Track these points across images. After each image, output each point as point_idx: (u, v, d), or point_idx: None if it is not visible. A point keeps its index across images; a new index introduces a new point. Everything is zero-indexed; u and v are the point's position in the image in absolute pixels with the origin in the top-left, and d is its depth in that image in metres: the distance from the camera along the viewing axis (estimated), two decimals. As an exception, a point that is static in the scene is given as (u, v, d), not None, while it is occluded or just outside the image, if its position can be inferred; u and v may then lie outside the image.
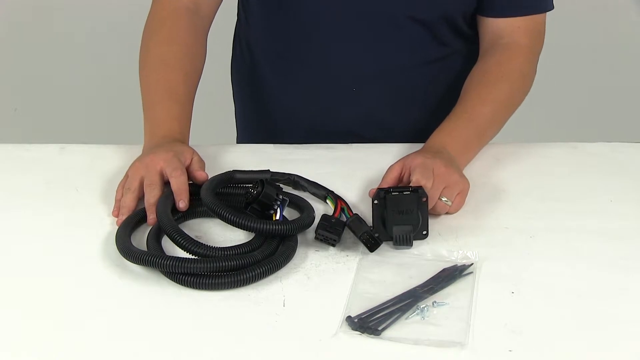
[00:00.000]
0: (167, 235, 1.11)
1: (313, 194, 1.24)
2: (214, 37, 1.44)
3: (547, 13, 1.41)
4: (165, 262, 1.04)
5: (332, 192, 1.22)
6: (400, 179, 1.20)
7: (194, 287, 1.04)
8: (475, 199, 1.23)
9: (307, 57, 1.44)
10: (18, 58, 2.87)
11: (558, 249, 1.13)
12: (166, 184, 1.20)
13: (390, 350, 0.95)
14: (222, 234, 1.16)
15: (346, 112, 1.47)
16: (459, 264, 1.09)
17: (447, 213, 1.19)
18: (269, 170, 1.26)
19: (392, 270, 1.08)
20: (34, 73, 2.88)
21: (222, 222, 1.12)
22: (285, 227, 1.11)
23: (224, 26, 1.52)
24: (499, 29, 1.39)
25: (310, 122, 1.49)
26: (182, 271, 1.04)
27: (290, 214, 1.18)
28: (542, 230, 1.17)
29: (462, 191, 1.20)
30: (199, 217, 1.19)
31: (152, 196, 1.17)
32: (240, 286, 1.04)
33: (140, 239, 1.13)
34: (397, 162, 1.22)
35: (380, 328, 0.97)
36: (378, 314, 1.00)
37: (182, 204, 1.17)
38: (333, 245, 1.12)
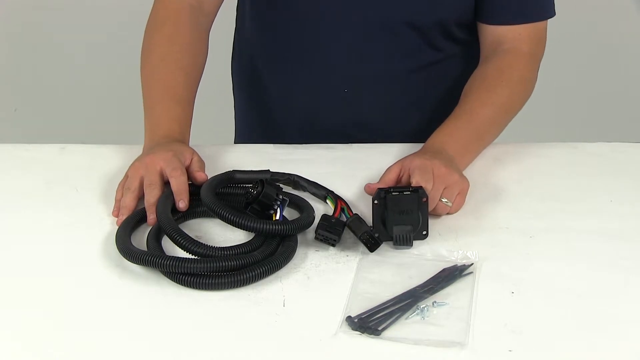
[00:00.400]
0: (167, 235, 1.11)
1: (313, 194, 1.24)
2: (213, 35, 1.44)
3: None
4: (165, 262, 1.04)
5: (332, 192, 1.22)
6: (398, 180, 1.20)
7: (194, 287, 1.04)
8: (476, 199, 1.23)
9: (303, 58, 1.45)
10: (18, 58, 2.88)
11: (558, 249, 1.13)
12: (166, 184, 1.20)
13: (390, 350, 0.95)
14: (222, 234, 1.16)
15: (341, 115, 1.47)
16: (459, 264, 1.09)
17: (447, 214, 1.19)
18: (269, 170, 1.26)
19: (392, 270, 1.08)
20: (34, 73, 2.88)
21: (222, 222, 1.12)
22: (285, 227, 1.11)
23: (224, 25, 1.52)
24: (500, 35, 1.39)
25: (306, 122, 1.49)
26: (182, 271, 1.04)
27: (290, 214, 1.18)
28: (542, 230, 1.17)
29: (462, 191, 1.20)
30: (199, 217, 1.19)
31: (152, 196, 1.17)
32: (240, 286, 1.04)
33: (140, 239, 1.13)
34: (395, 163, 1.22)
35: (380, 328, 0.97)
36: (378, 314, 1.00)
37: (182, 204, 1.17)
38: (333, 245, 1.12)
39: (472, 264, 1.09)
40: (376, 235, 1.11)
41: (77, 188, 1.27)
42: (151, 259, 1.05)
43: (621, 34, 2.79)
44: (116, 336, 0.97)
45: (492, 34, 1.40)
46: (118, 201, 1.20)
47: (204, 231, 1.17)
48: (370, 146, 1.39)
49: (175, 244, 1.10)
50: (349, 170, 1.32)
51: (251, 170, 1.25)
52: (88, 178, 1.29)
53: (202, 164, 1.24)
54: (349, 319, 0.99)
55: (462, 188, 1.20)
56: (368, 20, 1.39)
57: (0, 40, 2.84)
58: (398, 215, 1.11)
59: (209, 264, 1.04)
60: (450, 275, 1.07)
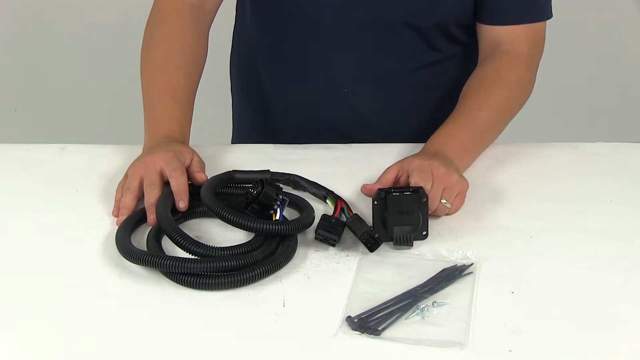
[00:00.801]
0: (167, 235, 1.11)
1: (313, 194, 1.24)
2: (211, 35, 1.44)
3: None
4: (165, 262, 1.04)
5: (332, 192, 1.22)
6: (396, 180, 1.20)
7: (194, 287, 1.04)
8: (476, 199, 1.23)
9: (302, 58, 1.45)
10: (18, 58, 2.88)
11: (558, 249, 1.13)
12: (166, 184, 1.20)
13: (390, 350, 0.95)
14: (222, 234, 1.16)
15: (339, 114, 1.47)
16: (459, 264, 1.09)
17: (446, 214, 1.18)
18: (268, 170, 1.26)
19: (392, 270, 1.08)
20: (34, 73, 2.88)
21: (222, 222, 1.12)
22: (285, 227, 1.11)
23: (222, 24, 1.52)
24: (498, 36, 1.39)
25: (305, 122, 1.49)
26: (182, 271, 1.04)
27: (290, 214, 1.18)
28: (542, 230, 1.17)
29: (461, 192, 1.20)
30: (199, 217, 1.19)
31: (151, 196, 1.17)
32: (240, 286, 1.04)
33: (140, 239, 1.13)
34: (394, 164, 1.22)
35: (380, 328, 0.97)
36: (378, 314, 1.00)
37: (182, 204, 1.17)
38: (333, 245, 1.12)
39: (472, 264, 1.09)
40: (376, 235, 1.11)
41: (77, 188, 1.27)
42: (151, 259, 1.05)
43: (621, 34, 2.79)
44: (116, 336, 0.97)
45: (490, 34, 1.40)
46: (118, 201, 1.20)
47: (204, 231, 1.17)
48: (370, 146, 1.39)
49: (175, 244, 1.10)
50: (349, 170, 1.32)
51: (251, 170, 1.25)
52: (88, 178, 1.29)
53: (202, 164, 1.24)
54: (349, 319, 0.99)
55: (461, 189, 1.20)
56: (367, 20, 1.39)
57: (0, 40, 2.84)
58: (398, 215, 1.11)
59: (209, 264, 1.04)
60: (450, 275, 1.07)
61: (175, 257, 1.06)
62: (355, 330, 0.97)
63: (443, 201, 1.16)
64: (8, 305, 1.02)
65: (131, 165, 1.24)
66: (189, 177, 1.21)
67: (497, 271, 1.08)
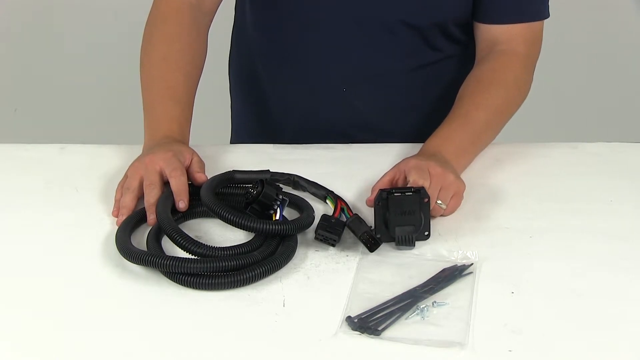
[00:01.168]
0: (167, 235, 1.11)
1: (313, 194, 1.24)
2: (210, 35, 1.44)
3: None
4: (165, 262, 1.04)
5: (332, 192, 1.21)
6: (393, 183, 1.20)
7: (194, 287, 1.04)
8: (475, 199, 1.23)
9: (301, 57, 1.45)
10: (18, 58, 2.88)
11: (558, 249, 1.13)
12: (165, 184, 1.20)
13: (390, 350, 0.95)
14: (222, 234, 1.16)
15: (339, 114, 1.47)
16: (459, 264, 1.09)
17: (441, 215, 1.18)
18: (268, 170, 1.26)
19: (392, 270, 1.08)
20: (34, 73, 2.88)
21: (222, 222, 1.12)
22: (285, 227, 1.11)
23: (221, 24, 1.52)
24: (495, 35, 1.39)
25: (305, 121, 1.49)
26: (182, 271, 1.04)
27: (290, 214, 1.18)
28: (542, 230, 1.17)
29: (457, 193, 1.20)
30: (199, 217, 1.19)
31: (151, 196, 1.17)
32: (240, 286, 1.04)
33: (140, 239, 1.13)
34: (391, 168, 1.22)
35: (380, 328, 0.97)
36: (378, 314, 1.00)
37: (182, 204, 1.17)
38: (333, 245, 1.12)
39: (472, 264, 1.09)
40: (378, 236, 1.11)
41: (77, 188, 1.27)
42: (151, 259, 1.05)
43: (621, 34, 2.79)
44: (116, 336, 0.97)
45: (488, 34, 1.40)
46: (118, 201, 1.20)
47: (204, 231, 1.17)
48: (370, 146, 1.39)
49: (175, 244, 1.10)
50: (349, 170, 1.32)
51: (251, 170, 1.25)
52: (88, 178, 1.29)
53: (201, 165, 1.24)
54: (349, 319, 0.99)
55: (457, 190, 1.20)
56: (366, 20, 1.39)
57: (0, 40, 2.84)
58: (400, 216, 1.11)
59: (209, 264, 1.04)
60: (450, 275, 1.07)
61: (175, 257, 1.06)
62: (355, 330, 0.97)
63: (439, 202, 1.16)
64: (8, 305, 1.02)
65: (131, 165, 1.24)
66: (189, 177, 1.21)
67: (497, 271, 1.08)
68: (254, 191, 1.14)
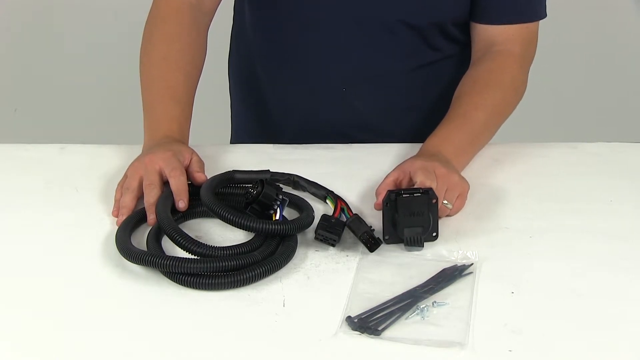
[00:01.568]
0: (167, 235, 1.11)
1: (313, 194, 1.24)
2: (210, 35, 1.44)
3: (546, 14, 1.42)
4: (165, 262, 1.04)
5: (332, 192, 1.21)
6: (397, 184, 1.20)
7: (194, 287, 1.04)
8: (475, 200, 1.23)
9: (301, 57, 1.45)
10: (18, 58, 2.87)
11: (558, 249, 1.13)
12: (165, 183, 1.20)
13: (390, 350, 0.95)
14: (222, 234, 1.16)
15: (338, 113, 1.47)
16: (459, 264, 1.09)
17: (447, 215, 1.18)
18: (268, 170, 1.26)
19: (392, 270, 1.08)
20: (34, 73, 2.88)
21: (222, 222, 1.12)
22: (285, 227, 1.11)
23: (220, 24, 1.52)
24: (492, 35, 1.39)
25: (304, 122, 1.49)
26: (182, 271, 1.04)
27: (290, 214, 1.18)
28: (542, 230, 1.17)
29: (462, 193, 1.20)
30: (199, 217, 1.19)
31: (151, 196, 1.17)
32: (240, 286, 1.04)
33: (140, 239, 1.13)
34: (394, 169, 1.22)
35: (380, 328, 0.97)
36: (378, 314, 1.00)
37: (182, 204, 1.17)
38: (333, 245, 1.12)
39: (472, 264, 1.09)
40: (386, 237, 1.12)
41: (77, 188, 1.27)
42: (151, 259, 1.05)
43: (621, 34, 2.79)
44: (116, 336, 0.97)
45: (484, 34, 1.40)
46: (118, 201, 1.20)
47: (204, 231, 1.17)
48: (370, 146, 1.39)
49: (175, 244, 1.10)
50: (349, 170, 1.32)
51: (251, 170, 1.25)
52: (88, 178, 1.29)
53: (201, 164, 1.24)
54: (349, 319, 0.99)
55: (462, 190, 1.20)
56: (365, 20, 1.39)
57: (0, 40, 2.84)
58: (409, 217, 1.11)
59: (209, 264, 1.04)
60: (450, 275, 1.07)
61: (175, 257, 1.06)
62: (355, 330, 0.97)
63: (445, 202, 1.16)
64: (8, 305, 1.02)
65: (130, 165, 1.24)
66: (189, 177, 1.21)
67: (497, 271, 1.08)
68: (254, 191, 1.14)
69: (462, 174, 1.25)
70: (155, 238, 1.12)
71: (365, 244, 1.10)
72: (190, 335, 0.97)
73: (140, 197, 1.20)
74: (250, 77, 1.54)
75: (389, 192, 1.13)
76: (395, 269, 1.08)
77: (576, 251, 1.13)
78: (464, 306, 1.01)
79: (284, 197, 1.15)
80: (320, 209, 1.20)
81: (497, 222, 1.20)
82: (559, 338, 0.97)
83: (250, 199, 1.14)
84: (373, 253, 1.10)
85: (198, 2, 1.40)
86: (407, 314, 1.00)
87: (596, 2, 2.75)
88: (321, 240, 1.12)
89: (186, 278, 1.04)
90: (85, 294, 1.04)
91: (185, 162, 1.22)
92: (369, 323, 0.98)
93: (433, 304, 1.02)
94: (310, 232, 1.14)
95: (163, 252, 1.10)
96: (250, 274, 1.04)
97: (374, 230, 1.11)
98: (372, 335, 0.96)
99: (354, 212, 1.15)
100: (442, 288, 1.05)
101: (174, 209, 1.16)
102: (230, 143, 1.65)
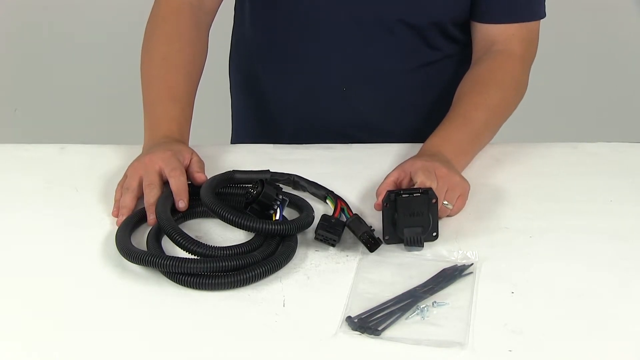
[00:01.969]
0: (167, 235, 1.11)
1: (313, 194, 1.24)
2: (211, 35, 1.44)
3: (547, 14, 1.42)
4: (165, 262, 1.04)
5: (332, 192, 1.21)
6: (397, 184, 1.20)
7: (194, 287, 1.04)
8: (475, 200, 1.23)
9: (301, 57, 1.45)
10: (18, 58, 2.87)
11: (558, 249, 1.13)
12: (165, 184, 1.20)
13: (390, 350, 0.95)
14: (222, 234, 1.16)
15: (338, 113, 1.47)
16: (459, 264, 1.09)
17: (447, 216, 1.18)
18: (268, 170, 1.26)
19: (392, 270, 1.08)
20: (34, 73, 2.88)
21: (222, 222, 1.12)
22: (285, 227, 1.11)
23: (222, 24, 1.52)
24: (492, 35, 1.39)
25: (304, 121, 1.49)
26: (182, 271, 1.04)
27: (290, 214, 1.18)
28: (542, 230, 1.17)
29: (463, 193, 1.20)
30: (199, 217, 1.19)
31: (151, 196, 1.17)
32: (240, 286, 1.04)
33: (140, 239, 1.13)
34: (394, 169, 1.22)
35: (380, 328, 0.97)
36: (378, 314, 1.00)
37: (182, 204, 1.17)
38: (333, 245, 1.12)
39: (472, 264, 1.09)
40: (387, 237, 1.11)
41: (77, 188, 1.27)
42: (151, 259, 1.05)
43: (621, 34, 2.79)
44: (116, 336, 0.97)
45: (485, 33, 1.40)
46: (117, 201, 1.20)
47: (204, 231, 1.17)
48: (370, 146, 1.39)
49: (175, 244, 1.10)
50: (349, 170, 1.32)
51: (251, 170, 1.25)
52: (88, 178, 1.29)
53: (201, 164, 1.24)
54: (349, 319, 0.99)
55: (463, 190, 1.20)
56: (364, 19, 1.39)
57: (0, 40, 2.84)
58: (408, 217, 1.11)
59: (209, 264, 1.04)
60: (450, 275, 1.07)
61: (175, 257, 1.06)
62: (355, 330, 0.97)
63: (445, 202, 1.16)
64: (8, 305, 1.02)
65: (130, 165, 1.24)
66: (189, 177, 1.21)
67: (497, 271, 1.08)
68: (254, 191, 1.14)
69: (462, 173, 1.25)
70: (155, 238, 1.12)
71: (365, 244, 1.10)
72: (190, 335, 0.97)
73: (140, 197, 1.20)
74: (250, 77, 1.55)
75: (389, 192, 1.13)
76: (395, 269, 1.08)
77: (576, 251, 1.13)
78: (464, 306, 1.01)
79: (284, 197, 1.15)
80: (320, 209, 1.20)
81: (497, 222, 1.19)
82: (559, 338, 0.97)
83: (250, 199, 1.14)
84: (373, 253, 1.10)
85: (199, 2, 1.40)
86: (407, 314, 1.00)
87: (596, 2, 2.75)
88: (321, 240, 1.12)
89: (186, 278, 1.04)
90: (85, 294, 1.04)
91: (185, 162, 1.22)
92: (369, 323, 0.98)
93: (433, 304, 1.02)
94: (310, 232, 1.14)
95: (163, 252, 1.10)
96: (250, 274, 1.04)
97: (374, 230, 1.11)
98: (372, 335, 0.96)
99: (354, 212, 1.15)
100: (442, 288, 1.04)
101: (174, 209, 1.16)
102: (231, 143, 1.65)
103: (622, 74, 2.82)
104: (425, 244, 1.12)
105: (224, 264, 1.05)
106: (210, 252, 1.08)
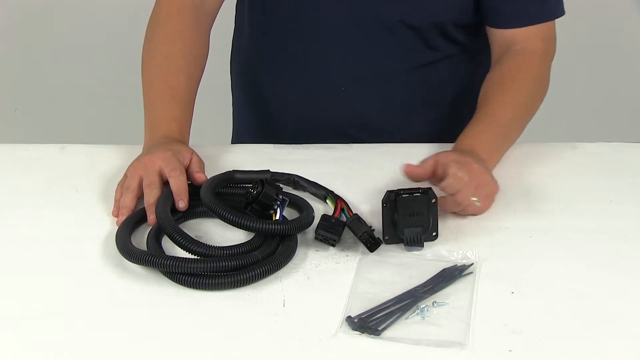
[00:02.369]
0: (167, 235, 1.11)
1: (313, 194, 1.24)
2: (212, 34, 1.44)
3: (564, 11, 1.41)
4: (165, 262, 1.04)
5: (332, 192, 1.21)
6: (434, 173, 1.18)
7: (194, 287, 1.04)
8: (475, 199, 1.23)
9: (300, 57, 1.45)
10: (18, 58, 2.87)
11: (558, 249, 1.13)
12: (165, 184, 1.20)
13: (390, 350, 0.95)
14: (222, 234, 1.16)
15: (338, 113, 1.47)
16: (459, 264, 1.09)
17: (472, 215, 1.17)
18: (268, 170, 1.26)
19: (392, 270, 1.08)
20: (34, 73, 2.88)
21: (222, 222, 1.12)
22: (285, 227, 1.11)
23: (223, 24, 1.52)
24: (511, 37, 1.38)
25: (304, 121, 1.49)
26: (182, 271, 1.04)
27: (290, 214, 1.18)
28: (542, 230, 1.17)
29: (491, 193, 1.19)
30: (199, 217, 1.19)
31: (151, 196, 1.17)
32: (240, 286, 1.04)
33: (140, 239, 1.13)
34: (429, 156, 1.20)
35: (380, 328, 0.97)
36: (378, 314, 1.00)
37: (182, 204, 1.17)
38: (333, 245, 1.12)
39: (472, 264, 1.09)
40: (386, 237, 1.11)
41: (77, 188, 1.27)
42: (151, 259, 1.05)
43: (621, 34, 2.79)
44: (116, 336, 0.97)
45: (502, 37, 1.39)
46: (117, 201, 1.20)
47: (204, 231, 1.17)
48: (370, 146, 1.39)
49: (175, 243, 1.10)
50: (349, 170, 1.32)
51: (251, 170, 1.25)
52: (88, 178, 1.29)
53: (201, 164, 1.24)
54: (349, 319, 0.99)
55: (492, 190, 1.19)
56: (364, 19, 1.39)
57: (0, 40, 2.84)
58: (408, 217, 1.11)
59: (209, 264, 1.04)
60: (450, 275, 1.07)
61: (175, 257, 1.06)
62: (355, 330, 0.97)
63: (474, 199, 1.16)
64: (8, 305, 1.02)
65: (130, 165, 1.24)
66: (189, 177, 1.21)
67: (497, 271, 1.08)
68: (254, 191, 1.14)
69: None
70: (155, 238, 1.12)
71: (365, 244, 1.10)
72: (190, 335, 0.97)
73: (140, 197, 1.20)
74: (250, 77, 1.55)
75: (389, 192, 1.13)
76: (395, 269, 1.08)
77: (576, 251, 1.13)
78: (464, 306, 1.01)
79: (284, 197, 1.15)
80: (320, 209, 1.20)
81: (497, 222, 1.19)
82: (559, 338, 0.97)
83: (250, 199, 1.14)
84: (373, 253, 1.10)
85: (200, 2, 1.40)
86: (407, 314, 1.00)
87: (596, 2, 2.75)
88: (321, 240, 1.12)
89: (186, 278, 1.04)
90: (85, 294, 1.04)
91: (185, 162, 1.22)
92: (369, 323, 0.98)
93: (433, 304, 1.02)
94: (310, 232, 1.14)
95: (163, 252, 1.10)
96: (250, 274, 1.04)
97: (374, 230, 1.11)
98: (372, 335, 0.96)
99: (354, 212, 1.15)
100: (442, 288, 1.05)
101: (174, 209, 1.16)
102: (231, 142, 1.65)
103: (622, 74, 2.82)
104: (425, 244, 1.12)
105: (224, 264, 1.05)
106: (210, 252, 1.08)
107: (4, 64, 2.87)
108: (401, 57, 1.42)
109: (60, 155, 1.38)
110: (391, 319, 0.99)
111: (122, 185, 1.22)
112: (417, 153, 1.32)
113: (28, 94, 2.91)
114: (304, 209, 1.17)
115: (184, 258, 1.05)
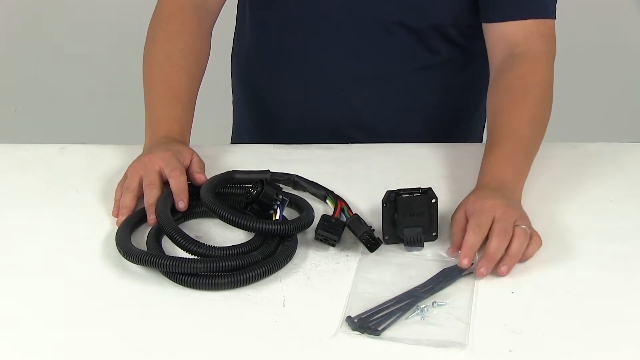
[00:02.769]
0: (167, 235, 1.11)
1: (313, 194, 1.24)
2: (214, 34, 1.44)
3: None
4: (165, 262, 1.04)
5: (332, 192, 1.21)
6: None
7: (194, 287, 1.04)
8: (475, 199, 1.23)
9: (300, 57, 1.45)
10: (18, 58, 2.88)
11: (558, 249, 1.13)
12: (165, 183, 1.20)
13: (390, 350, 0.95)
14: (222, 234, 1.16)
15: (337, 114, 1.47)
16: (459, 264, 1.09)
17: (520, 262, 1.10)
18: (268, 170, 1.26)
19: (392, 270, 1.08)
20: (34, 73, 2.88)
21: (222, 222, 1.12)
22: (285, 227, 1.11)
23: (224, 24, 1.52)
24: (510, 35, 1.33)
25: (303, 121, 1.49)
26: (182, 271, 1.04)
27: (290, 214, 1.18)
28: (542, 230, 1.17)
29: (531, 240, 1.11)
30: (199, 217, 1.19)
31: (151, 196, 1.17)
32: (240, 286, 1.04)
33: (140, 239, 1.13)
34: (457, 210, 1.15)
35: (380, 328, 0.97)
36: (378, 314, 1.00)
37: (182, 204, 1.17)
38: (333, 245, 1.12)
39: (472, 264, 1.09)
40: (386, 237, 1.11)
41: (77, 188, 1.27)
42: (151, 259, 1.05)
43: (621, 34, 2.79)
44: (116, 336, 0.97)
45: (501, 33, 1.34)
46: (117, 201, 1.20)
47: (204, 231, 1.17)
48: (370, 146, 1.39)
49: (175, 244, 1.10)
50: (349, 170, 1.32)
51: (251, 170, 1.25)
52: (88, 178, 1.29)
53: (201, 165, 1.24)
54: (349, 319, 0.99)
55: (529, 238, 1.11)
56: (363, 20, 1.39)
57: (0, 40, 2.84)
58: (408, 217, 1.11)
59: (209, 264, 1.04)
60: (450, 275, 1.07)
61: (175, 257, 1.06)
62: (355, 330, 0.97)
63: (523, 226, 1.10)
64: (8, 305, 1.02)
65: (130, 165, 1.24)
66: (189, 177, 1.21)
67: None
68: (254, 191, 1.14)
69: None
70: (155, 238, 1.12)
71: (365, 244, 1.10)
72: (190, 335, 0.97)
73: (140, 197, 1.20)
74: (250, 77, 1.55)
75: (389, 192, 1.13)
76: (395, 269, 1.08)
77: (576, 251, 1.13)
78: (464, 306, 1.01)
79: (284, 197, 1.15)
80: (320, 209, 1.20)
81: (497, 222, 1.19)
82: (559, 338, 0.97)
83: (250, 199, 1.14)
84: (373, 253, 1.10)
85: (202, 2, 1.39)
86: (407, 314, 1.00)
87: (596, 2, 2.75)
88: (321, 240, 1.12)
89: (186, 278, 1.04)
90: (85, 294, 1.04)
91: (186, 162, 1.22)
92: (369, 323, 0.98)
93: (433, 304, 1.02)
94: (310, 232, 1.14)
95: (163, 252, 1.10)
96: (250, 274, 1.04)
97: (374, 230, 1.11)
98: (372, 335, 0.96)
99: (354, 212, 1.15)
100: (442, 288, 1.05)
101: (174, 209, 1.16)
102: (231, 141, 1.65)
103: (622, 74, 2.82)
104: (425, 244, 1.12)
105: (224, 264, 1.05)
106: (210, 252, 1.08)
107: (4, 64, 2.87)
108: (400, 59, 1.42)
109: (60, 155, 1.38)
110: (391, 319, 0.99)
111: (122, 185, 1.22)
112: (416, 153, 1.33)
113: (28, 94, 2.91)
114: (304, 209, 1.17)
115: (184, 258, 1.05)
